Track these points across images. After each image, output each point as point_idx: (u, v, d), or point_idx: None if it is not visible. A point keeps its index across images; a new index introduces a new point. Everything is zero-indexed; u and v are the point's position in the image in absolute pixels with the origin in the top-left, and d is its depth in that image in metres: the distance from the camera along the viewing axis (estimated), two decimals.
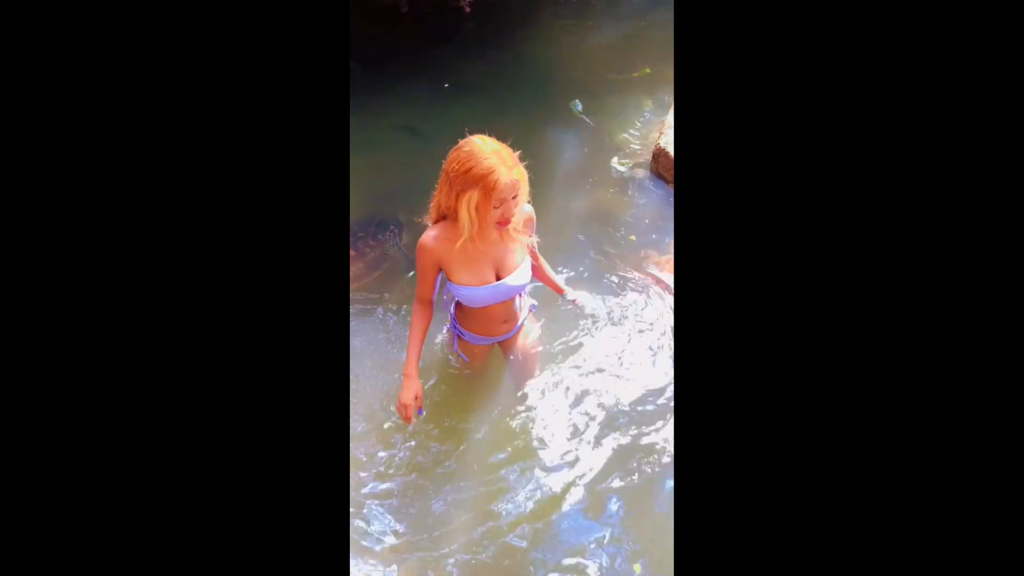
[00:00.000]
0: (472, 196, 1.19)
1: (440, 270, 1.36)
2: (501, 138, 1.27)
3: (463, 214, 1.22)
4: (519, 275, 1.40)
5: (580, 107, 1.57)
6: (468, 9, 3.62)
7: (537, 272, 1.55)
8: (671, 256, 2.05)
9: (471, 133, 1.26)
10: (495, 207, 1.22)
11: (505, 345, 1.66)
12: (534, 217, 1.43)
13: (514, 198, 1.23)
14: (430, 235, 1.33)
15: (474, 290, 1.36)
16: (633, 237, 2.24)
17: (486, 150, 1.19)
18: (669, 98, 2.80)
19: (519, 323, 1.59)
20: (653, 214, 2.40)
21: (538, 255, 1.55)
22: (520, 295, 1.53)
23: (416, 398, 1.39)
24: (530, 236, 1.42)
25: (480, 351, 1.63)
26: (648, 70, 2.70)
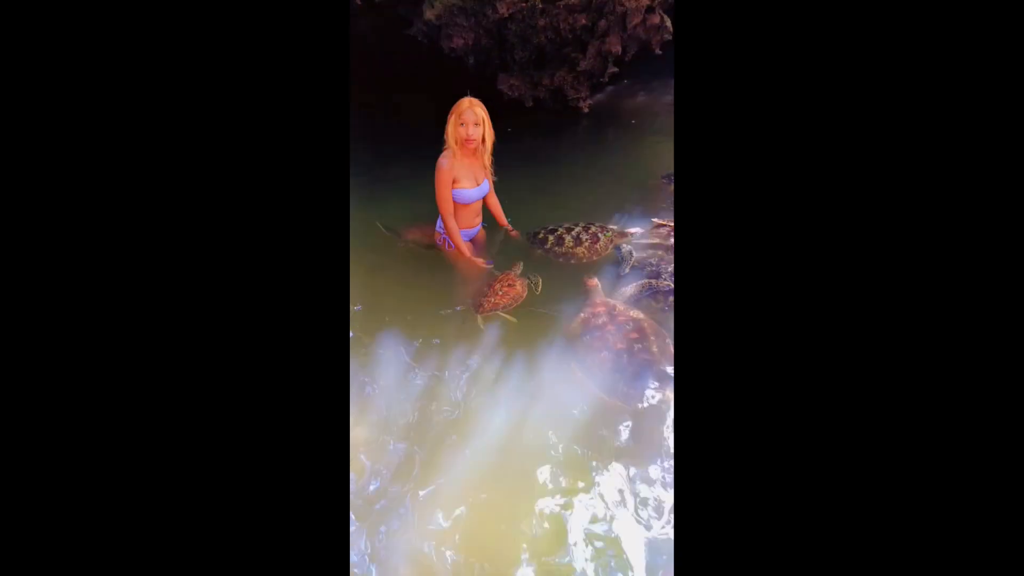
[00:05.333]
0: (452, 120, 2.17)
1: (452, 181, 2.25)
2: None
3: (449, 132, 2.18)
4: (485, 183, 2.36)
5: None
6: (586, 110, 3.96)
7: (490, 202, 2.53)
8: None
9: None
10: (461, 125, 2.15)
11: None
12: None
13: (476, 125, 2.15)
14: (444, 159, 2.21)
15: (467, 191, 2.27)
16: None
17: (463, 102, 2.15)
18: None
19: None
20: None
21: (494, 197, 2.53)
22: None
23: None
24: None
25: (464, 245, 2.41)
26: None
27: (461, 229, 2.35)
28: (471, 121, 2.13)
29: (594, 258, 2.43)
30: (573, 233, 2.45)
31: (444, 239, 2.39)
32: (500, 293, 2.14)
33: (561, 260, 2.40)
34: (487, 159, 2.29)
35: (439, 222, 2.38)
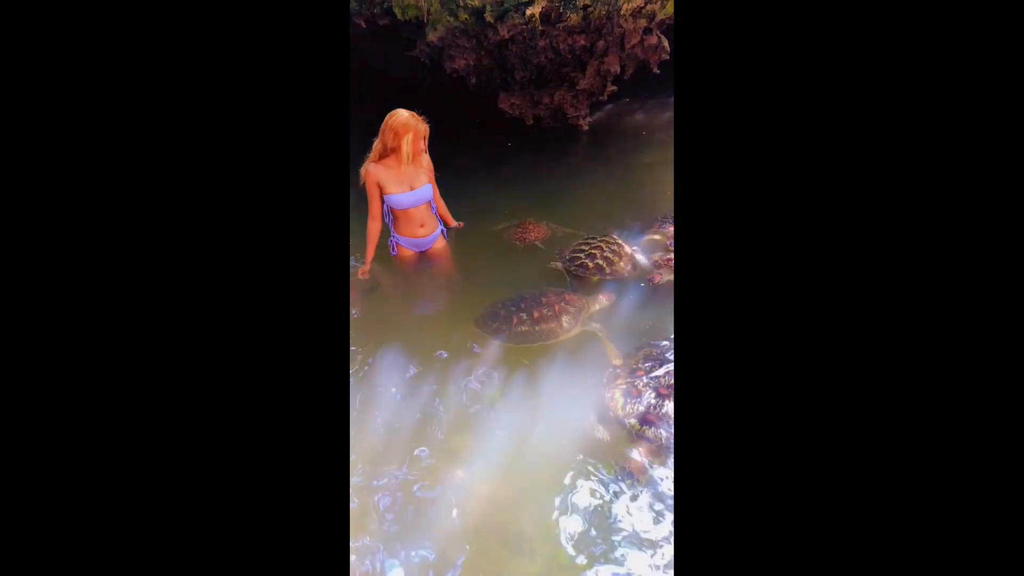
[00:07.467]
0: (409, 137, 2.21)
1: (380, 189, 2.32)
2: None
3: (404, 148, 2.22)
4: (425, 189, 2.38)
5: None
6: (586, 127, 4.02)
7: (436, 201, 2.56)
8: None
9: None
10: (422, 141, 2.27)
11: (428, 253, 2.58)
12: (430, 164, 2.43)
13: (424, 139, 2.27)
14: (372, 165, 2.29)
15: (399, 196, 2.32)
16: None
17: (412, 117, 2.22)
18: None
19: (435, 232, 2.55)
20: None
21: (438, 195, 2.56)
22: (430, 208, 2.49)
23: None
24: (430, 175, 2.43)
25: (410, 256, 2.55)
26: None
27: (408, 238, 2.47)
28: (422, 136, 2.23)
29: (636, 272, 2.43)
30: (604, 253, 2.43)
31: (394, 244, 2.53)
32: (532, 231, 2.69)
33: (618, 283, 2.39)
34: (424, 161, 2.35)
35: (392, 238, 2.53)
